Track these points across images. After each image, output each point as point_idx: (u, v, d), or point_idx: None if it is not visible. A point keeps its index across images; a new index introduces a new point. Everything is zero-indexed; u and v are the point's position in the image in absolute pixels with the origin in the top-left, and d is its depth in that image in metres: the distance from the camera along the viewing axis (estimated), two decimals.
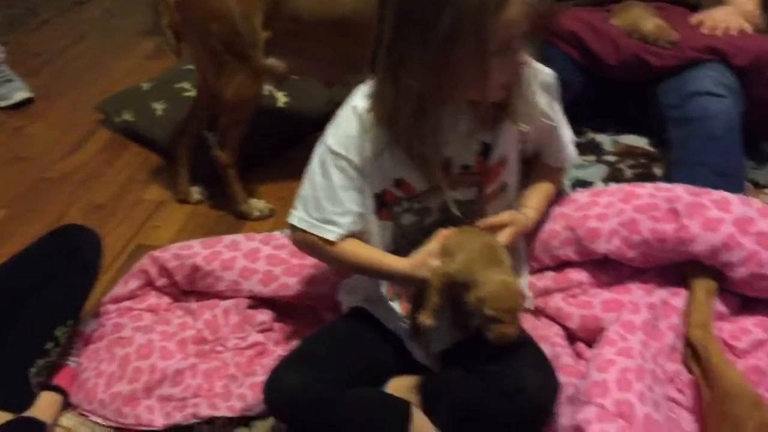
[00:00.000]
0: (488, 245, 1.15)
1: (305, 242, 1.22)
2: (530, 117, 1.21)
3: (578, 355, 1.29)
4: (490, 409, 1.10)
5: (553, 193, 1.36)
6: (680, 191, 1.30)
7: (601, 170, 1.82)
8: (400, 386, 1.24)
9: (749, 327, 1.25)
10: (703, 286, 1.26)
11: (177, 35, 1.76)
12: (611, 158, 1.87)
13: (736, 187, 1.47)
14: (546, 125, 1.26)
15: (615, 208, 1.32)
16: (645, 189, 1.34)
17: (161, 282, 1.54)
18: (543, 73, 1.23)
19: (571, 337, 1.33)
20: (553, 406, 1.12)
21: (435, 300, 1.11)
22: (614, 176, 1.79)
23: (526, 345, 1.13)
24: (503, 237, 1.19)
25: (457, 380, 1.17)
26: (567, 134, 1.32)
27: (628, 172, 1.81)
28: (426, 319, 1.12)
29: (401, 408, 1.18)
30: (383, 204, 1.23)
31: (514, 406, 1.08)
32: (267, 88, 2.19)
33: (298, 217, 1.21)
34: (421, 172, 1.19)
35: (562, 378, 1.19)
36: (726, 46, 1.74)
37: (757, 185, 1.79)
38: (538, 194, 1.33)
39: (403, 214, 1.24)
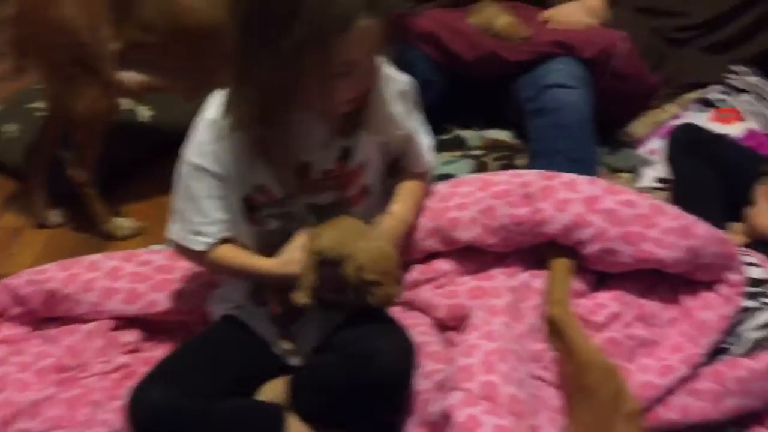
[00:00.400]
0: (355, 222, 1.18)
1: (183, 253, 1.26)
2: (385, 126, 1.23)
3: (449, 343, 1.31)
4: (347, 380, 1.10)
5: (421, 194, 1.36)
6: (533, 177, 1.34)
7: (468, 164, 1.86)
8: (273, 390, 1.21)
9: (605, 302, 1.29)
10: (560, 265, 1.30)
11: (20, 52, 1.67)
12: (477, 152, 1.92)
13: (589, 173, 1.53)
14: (402, 133, 1.28)
15: (474, 197, 1.35)
16: (501, 177, 1.37)
17: (16, 311, 1.43)
18: (399, 81, 1.25)
19: (443, 327, 1.35)
20: (409, 371, 1.13)
21: (310, 278, 1.13)
22: (480, 169, 1.83)
23: (380, 317, 1.15)
24: None
25: (316, 364, 1.18)
26: (425, 141, 1.34)
27: (493, 165, 1.86)
28: (302, 299, 1.13)
29: (274, 414, 1.16)
30: (251, 209, 1.23)
31: (369, 372, 1.08)
32: (130, 103, 2.12)
33: (172, 230, 1.24)
34: (277, 179, 1.19)
35: (432, 365, 1.20)
36: (574, 40, 1.83)
37: (613, 170, 1.89)
38: (403, 197, 1.32)
39: (267, 219, 1.24)
